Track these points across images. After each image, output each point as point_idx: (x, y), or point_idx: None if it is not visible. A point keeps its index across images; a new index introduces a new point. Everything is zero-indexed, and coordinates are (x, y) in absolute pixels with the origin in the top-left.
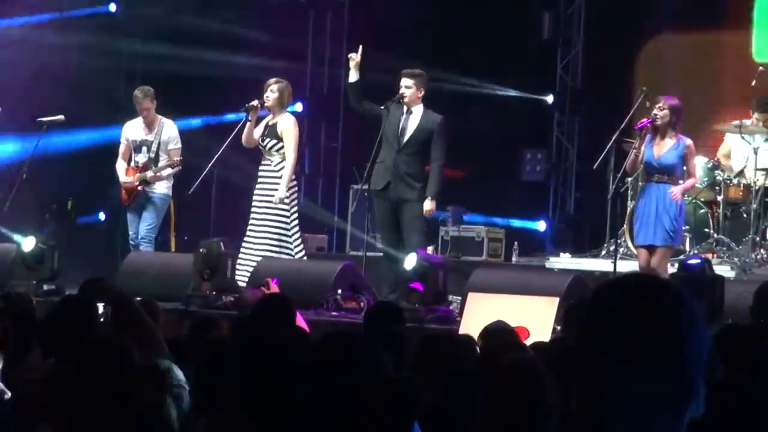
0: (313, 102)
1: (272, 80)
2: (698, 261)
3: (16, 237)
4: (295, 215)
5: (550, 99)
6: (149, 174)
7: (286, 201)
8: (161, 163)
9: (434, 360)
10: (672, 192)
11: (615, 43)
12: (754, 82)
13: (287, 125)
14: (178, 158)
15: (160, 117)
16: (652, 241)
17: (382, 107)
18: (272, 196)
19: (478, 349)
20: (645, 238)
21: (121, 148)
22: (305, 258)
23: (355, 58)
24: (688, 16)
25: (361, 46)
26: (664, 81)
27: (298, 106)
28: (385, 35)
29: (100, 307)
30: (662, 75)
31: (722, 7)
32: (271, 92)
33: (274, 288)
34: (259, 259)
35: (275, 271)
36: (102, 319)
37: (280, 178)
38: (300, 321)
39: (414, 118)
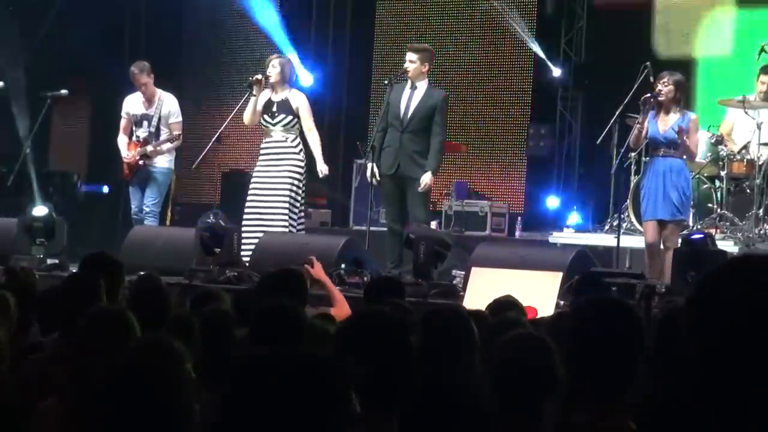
0: (316, 76)
1: (273, 56)
2: (701, 236)
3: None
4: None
5: (557, 72)
6: (149, 148)
7: (301, 178)
8: (162, 138)
9: (437, 334)
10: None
11: (619, 18)
12: (757, 57)
13: (302, 102)
14: (178, 132)
15: (159, 91)
16: (661, 216)
17: (386, 83)
18: (289, 171)
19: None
20: (654, 213)
21: (122, 123)
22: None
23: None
24: None
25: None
26: (669, 55)
27: (308, 80)
28: (388, 13)
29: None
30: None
31: None
32: (273, 68)
33: (318, 266)
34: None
35: (278, 245)
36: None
37: (298, 153)
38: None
39: (417, 94)
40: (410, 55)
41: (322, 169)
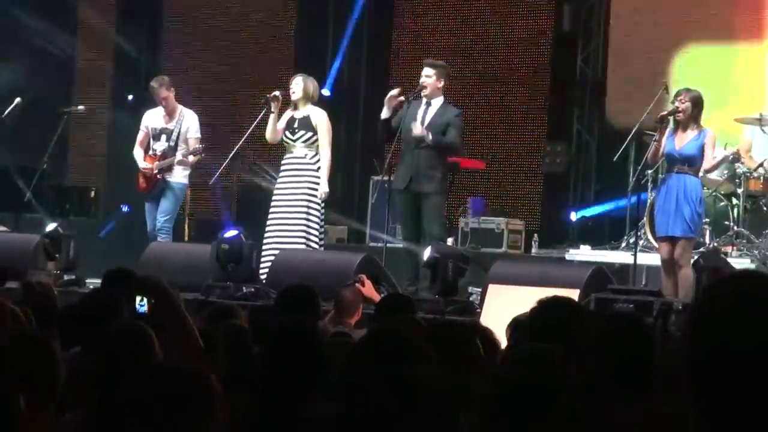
0: (334, 93)
1: (298, 75)
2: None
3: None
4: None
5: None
6: (174, 159)
7: (323, 196)
8: (179, 152)
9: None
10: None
11: (635, 35)
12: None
13: (322, 119)
14: (200, 146)
15: (180, 107)
16: (672, 232)
17: (403, 98)
18: (308, 188)
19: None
20: (665, 230)
21: (140, 136)
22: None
23: (394, 97)
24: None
25: (398, 90)
26: (686, 75)
27: (323, 92)
28: (406, 31)
29: (138, 300)
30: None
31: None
32: (296, 85)
33: (369, 284)
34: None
35: (295, 262)
36: (144, 311)
37: (316, 170)
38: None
39: (431, 111)
40: (427, 70)
41: (324, 190)
